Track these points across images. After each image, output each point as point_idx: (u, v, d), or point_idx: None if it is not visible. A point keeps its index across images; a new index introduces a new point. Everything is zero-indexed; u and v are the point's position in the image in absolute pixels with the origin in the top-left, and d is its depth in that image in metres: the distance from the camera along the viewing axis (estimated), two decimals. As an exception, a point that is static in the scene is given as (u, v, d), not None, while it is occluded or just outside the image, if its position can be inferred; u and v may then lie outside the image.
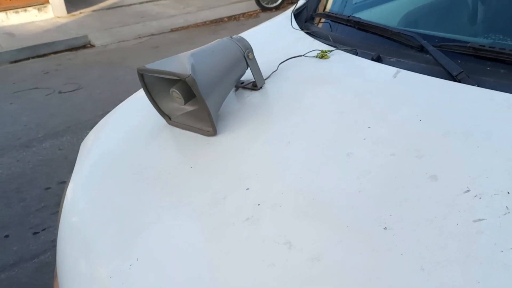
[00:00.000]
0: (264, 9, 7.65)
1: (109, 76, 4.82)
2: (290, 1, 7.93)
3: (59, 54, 6.00)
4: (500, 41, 1.00)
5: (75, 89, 4.50)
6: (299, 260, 0.65)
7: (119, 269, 0.76)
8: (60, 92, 4.44)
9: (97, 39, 6.44)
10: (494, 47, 0.93)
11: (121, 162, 1.04)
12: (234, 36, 1.11)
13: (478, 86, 0.90)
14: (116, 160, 1.05)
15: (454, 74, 0.94)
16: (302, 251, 0.66)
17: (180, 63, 0.96)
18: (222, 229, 0.75)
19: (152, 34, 6.69)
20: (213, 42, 1.10)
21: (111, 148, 1.13)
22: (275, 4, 7.70)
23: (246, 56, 1.08)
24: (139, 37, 6.56)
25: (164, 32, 6.79)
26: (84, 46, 6.34)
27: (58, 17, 7.73)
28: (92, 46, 6.34)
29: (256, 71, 1.12)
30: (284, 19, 1.56)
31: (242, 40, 1.10)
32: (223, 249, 0.71)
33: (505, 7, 1.10)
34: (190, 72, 0.90)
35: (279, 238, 0.69)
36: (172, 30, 6.87)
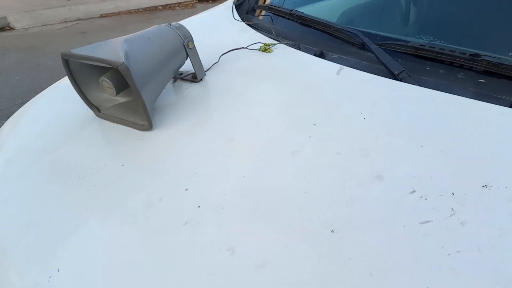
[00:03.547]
0: (200, 0, 7.51)
1: (30, 62, 4.43)
2: (227, -6, 7.86)
3: (-28, 36, 5.43)
4: (440, 42, 1.01)
5: (-9, 74, 4.09)
6: (243, 268, 0.60)
7: (37, 281, 0.66)
8: (-28, 78, 4.01)
9: (17, 22, 5.91)
10: (434, 47, 0.94)
11: (40, 158, 0.92)
12: (173, 23, 1.03)
13: (419, 85, 0.91)
14: (35, 156, 0.93)
15: (396, 72, 0.94)
16: (246, 258, 0.61)
17: (112, 49, 0.87)
18: (157, 235, 0.68)
19: (79, 19, 6.28)
20: (149, 28, 1.01)
21: (29, 142, 1.00)
22: (212, -4, 7.59)
23: (186, 46, 1.01)
24: (65, 21, 6.13)
25: (92, 18, 6.41)
26: (2, 29, 5.79)
27: (-28, -5, 7.01)
28: (11, 28, 5.81)
29: (197, 62, 1.05)
30: (225, 10, 1.50)
31: (182, 28, 1.02)
32: (159, 257, 0.65)
33: (446, 9, 1.13)
34: (123, 60, 0.82)
35: (221, 244, 0.64)
36: (101, 16, 6.50)
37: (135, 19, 6.45)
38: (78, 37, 5.43)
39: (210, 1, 7.56)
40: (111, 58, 0.83)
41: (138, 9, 6.92)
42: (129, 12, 6.79)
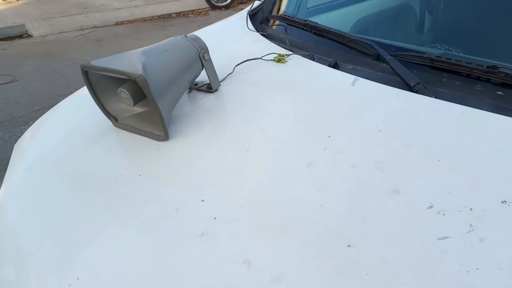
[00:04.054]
0: (213, 7, 7.57)
1: (47, 69, 4.52)
2: (240, 1, 7.92)
3: (-8, 43, 5.56)
4: (455, 53, 1.01)
5: (9, 81, 4.17)
6: (259, 281, 0.60)
7: (56, 289, 0.68)
8: (-8, 84, 4.10)
9: (35, 29, 6.04)
10: (450, 59, 0.94)
11: (60, 166, 0.94)
12: (189, 35, 1.05)
13: (435, 97, 0.90)
14: (55, 164, 0.95)
15: (412, 84, 0.94)
16: (262, 271, 0.62)
17: (130, 61, 0.88)
18: (174, 246, 0.69)
19: (96, 27, 6.38)
20: (166, 40, 1.02)
21: (49, 150, 1.02)
22: (225, 3, 7.65)
23: (202, 57, 1.02)
24: (81, 29, 6.23)
25: (108, 25, 6.50)
26: (20, 36, 5.92)
27: (-8, 3, 7.19)
28: (29, 36, 5.93)
29: (212, 72, 1.06)
30: (239, 20, 1.51)
31: (198, 39, 1.04)
32: (175, 268, 0.65)
33: (460, 20, 1.13)
34: (141, 72, 0.83)
35: (237, 256, 0.64)
36: (117, 23, 6.60)
37: (150, 26, 6.53)
38: (94, 44, 5.51)
39: (223, 9, 7.62)
40: (129, 70, 0.85)
41: (153, 17, 7.01)
42: (143, 20, 6.87)
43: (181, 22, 6.80)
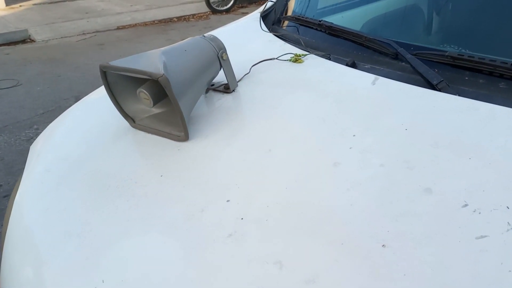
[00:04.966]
0: (214, 11, 7.58)
1: (50, 73, 4.51)
2: (240, 5, 7.94)
3: (-5, 48, 5.56)
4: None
5: (13, 85, 4.16)
6: (292, 282, 0.59)
7: (81, 293, 0.66)
8: (-4, 89, 4.10)
9: (38, 34, 6.04)
10: (473, 57, 0.92)
11: (78, 168, 0.93)
12: (206, 35, 1.04)
13: (459, 95, 0.89)
14: (73, 166, 0.94)
15: (435, 82, 0.93)
16: (294, 272, 0.60)
17: (150, 61, 0.87)
18: (201, 246, 0.67)
19: (97, 31, 6.38)
20: (184, 40, 1.01)
21: (66, 152, 1.00)
22: (225, 7, 7.65)
23: (220, 57, 1.01)
24: (83, 34, 6.23)
25: (110, 30, 6.51)
26: (23, 41, 5.92)
27: (-5, 9, 7.20)
28: (32, 41, 5.93)
29: (230, 73, 1.05)
30: (252, 21, 1.50)
31: (216, 39, 1.02)
32: (204, 269, 0.64)
33: (479, 17, 1.11)
34: (163, 72, 0.82)
35: (268, 257, 0.63)
36: (118, 28, 6.60)
37: (151, 30, 6.53)
38: (96, 48, 5.51)
39: (224, 13, 7.62)
40: (151, 69, 0.84)
41: (154, 21, 7.01)
42: (145, 24, 6.88)
43: (182, 26, 6.80)
